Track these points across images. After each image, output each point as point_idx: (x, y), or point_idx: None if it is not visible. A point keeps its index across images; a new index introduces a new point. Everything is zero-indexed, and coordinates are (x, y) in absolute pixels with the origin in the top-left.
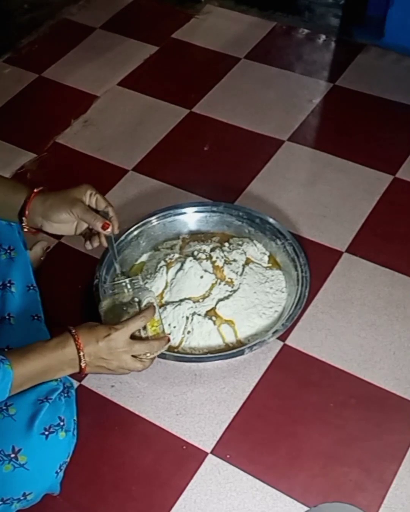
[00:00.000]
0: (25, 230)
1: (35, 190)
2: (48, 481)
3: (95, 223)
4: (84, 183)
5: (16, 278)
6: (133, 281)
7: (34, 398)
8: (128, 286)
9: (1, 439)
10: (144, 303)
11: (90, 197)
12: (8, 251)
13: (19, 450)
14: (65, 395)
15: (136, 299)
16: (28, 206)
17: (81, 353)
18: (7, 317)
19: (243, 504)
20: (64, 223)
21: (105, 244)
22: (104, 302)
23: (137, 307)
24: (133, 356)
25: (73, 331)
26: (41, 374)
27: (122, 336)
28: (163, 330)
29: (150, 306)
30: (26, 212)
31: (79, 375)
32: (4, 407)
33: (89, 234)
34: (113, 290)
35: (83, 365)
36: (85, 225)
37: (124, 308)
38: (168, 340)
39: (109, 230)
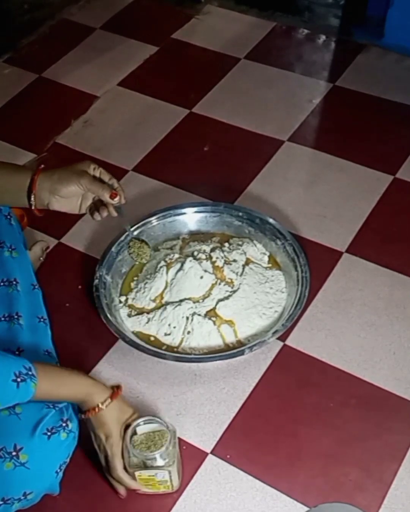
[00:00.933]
0: (32, 208)
1: (40, 168)
2: (48, 481)
3: (103, 192)
4: (86, 159)
5: (20, 277)
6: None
7: (43, 403)
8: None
9: (4, 436)
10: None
11: (94, 171)
12: (10, 249)
13: (21, 448)
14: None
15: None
16: (35, 182)
17: (97, 409)
18: (15, 316)
19: (243, 504)
20: (71, 198)
21: (114, 214)
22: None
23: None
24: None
25: (113, 394)
26: (58, 400)
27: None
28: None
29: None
30: (34, 189)
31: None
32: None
33: (95, 207)
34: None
35: (94, 412)
36: (89, 201)
37: (156, 444)
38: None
39: (116, 199)
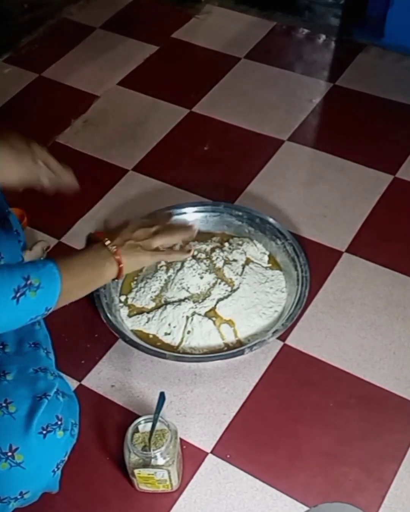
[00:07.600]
0: None
1: None
2: (45, 480)
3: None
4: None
5: None
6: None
7: (32, 394)
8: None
9: None
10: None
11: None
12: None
13: (16, 448)
14: (61, 396)
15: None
16: None
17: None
18: None
19: (243, 504)
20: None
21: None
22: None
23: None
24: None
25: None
26: (87, 275)
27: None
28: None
29: None
30: None
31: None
32: (4, 404)
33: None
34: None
35: (114, 249)
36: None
37: (157, 443)
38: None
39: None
